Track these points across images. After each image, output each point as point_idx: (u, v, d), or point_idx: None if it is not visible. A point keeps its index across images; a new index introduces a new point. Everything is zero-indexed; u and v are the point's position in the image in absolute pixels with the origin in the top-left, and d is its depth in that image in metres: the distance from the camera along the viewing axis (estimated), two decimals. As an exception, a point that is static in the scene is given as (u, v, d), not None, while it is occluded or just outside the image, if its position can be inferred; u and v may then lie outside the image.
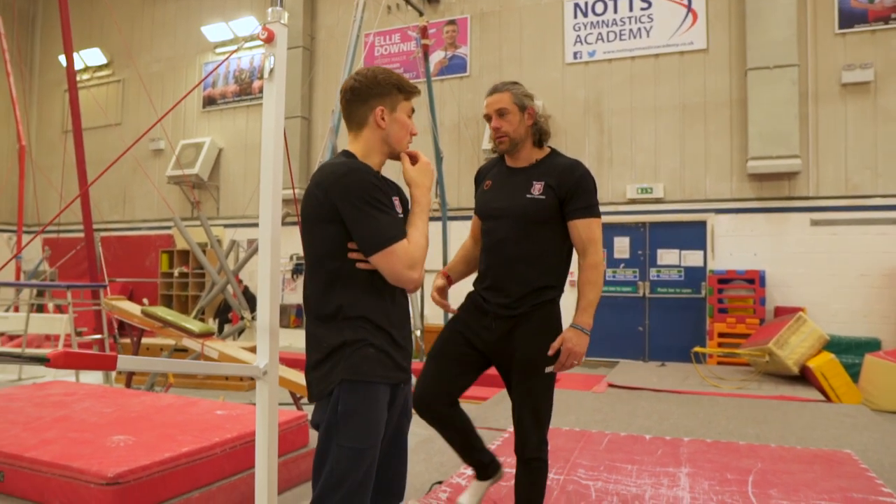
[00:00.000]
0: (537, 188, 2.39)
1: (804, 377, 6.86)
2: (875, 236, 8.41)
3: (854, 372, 6.89)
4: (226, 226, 12.04)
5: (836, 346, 7.46)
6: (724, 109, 9.18)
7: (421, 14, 8.02)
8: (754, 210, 9.01)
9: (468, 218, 9.89)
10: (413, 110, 1.99)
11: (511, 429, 4.57)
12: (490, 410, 5.52)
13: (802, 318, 6.93)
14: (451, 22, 10.55)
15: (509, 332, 2.39)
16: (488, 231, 2.49)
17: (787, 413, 5.47)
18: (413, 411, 2.20)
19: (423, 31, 7.96)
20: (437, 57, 10.20)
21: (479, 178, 2.63)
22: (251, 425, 3.49)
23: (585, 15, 9.86)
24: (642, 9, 9.59)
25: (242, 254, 9.41)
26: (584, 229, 2.37)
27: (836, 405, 6.01)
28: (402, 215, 1.92)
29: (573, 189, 2.36)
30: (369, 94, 1.90)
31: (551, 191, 2.38)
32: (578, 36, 9.90)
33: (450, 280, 2.63)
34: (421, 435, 4.18)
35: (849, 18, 8.68)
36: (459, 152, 10.23)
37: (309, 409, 5.71)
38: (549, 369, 2.35)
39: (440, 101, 9.50)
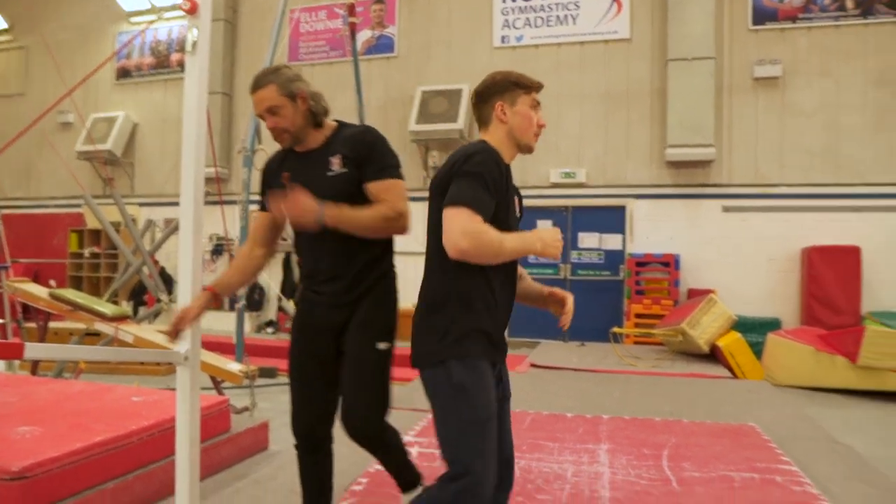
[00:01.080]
0: (336, 163, 2.27)
1: (714, 355, 7.23)
2: (780, 223, 8.91)
3: (758, 350, 7.32)
4: (141, 204, 11.53)
5: (742, 325, 7.88)
6: (645, 98, 9.47)
7: (348, -9, 7.87)
8: (671, 196, 9.37)
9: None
10: (538, 103, 2.10)
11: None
12: (416, 391, 5.55)
13: (713, 300, 7.28)
14: (379, 1, 10.39)
15: (352, 314, 2.30)
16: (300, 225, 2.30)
17: (698, 390, 5.76)
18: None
19: (351, 9, 7.80)
20: (363, 36, 10.05)
21: (270, 174, 2.43)
22: (170, 411, 3.37)
23: (514, 0, 9.92)
24: (569, -4, 9.73)
25: (159, 234, 9.03)
26: (379, 191, 2.22)
27: (742, 381, 6.37)
28: (518, 216, 2.11)
29: (367, 153, 2.24)
30: (489, 93, 2.07)
31: (350, 161, 2.25)
32: (507, 20, 9.95)
33: (217, 298, 2.34)
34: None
35: (761, 16, 9.09)
36: (385, 133, 9.96)
37: (235, 394, 5.56)
38: (382, 346, 2.28)
39: (367, 81, 9.36)
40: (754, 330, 8.01)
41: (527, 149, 2.10)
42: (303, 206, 2.17)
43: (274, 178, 2.39)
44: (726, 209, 9.13)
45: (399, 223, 2.25)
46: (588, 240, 9.71)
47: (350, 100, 9.57)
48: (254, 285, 10.09)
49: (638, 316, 8.89)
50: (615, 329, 8.13)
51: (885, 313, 7.96)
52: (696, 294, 8.67)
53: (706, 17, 9.00)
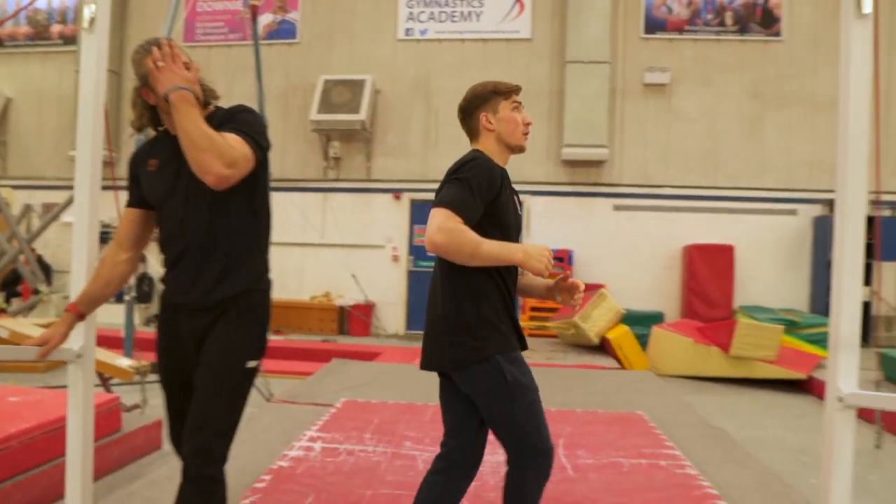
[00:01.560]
0: None
1: (603, 347, 7.61)
2: (664, 222, 9.49)
3: (643, 341, 7.77)
4: (16, 187, 10.63)
5: (629, 318, 8.33)
6: (544, 98, 9.77)
7: (250, -28, 7.59)
8: (566, 194, 9.74)
9: (292, 189, 9.74)
10: (518, 104, 2.19)
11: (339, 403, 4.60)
12: (315, 386, 5.49)
13: (604, 295, 7.66)
14: (283, -16, 10.12)
15: (211, 326, 2.02)
16: (166, 218, 2.07)
17: (589, 380, 6.05)
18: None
19: (253, -9, 7.52)
20: (265, 20, 9.73)
21: (138, 164, 2.15)
22: (54, 412, 3.17)
23: (419, -7, 9.95)
24: (473, -7, 9.87)
25: (37, 220, 8.39)
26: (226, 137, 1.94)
27: (629, 371, 6.76)
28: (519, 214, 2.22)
29: (228, 119, 2.02)
30: (472, 106, 2.19)
31: None
32: (411, 13, 9.96)
33: (80, 315, 2.13)
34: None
35: (652, 25, 9.60)
36: (286, 121, 9.90)
37: (125, 391, 5.27)
38: (250, 364, 2.03)
39: (267, 67, 9.00)
40: (640, 323, 8.49)
41: (518, 149, 2.23)
42: (175, 72, 1.93)
43: (141, 166, 2.13)
44: (617, 208, 9.60)
45: (226, 159, 1.87)
46: (487, 234, 9.91)
47: (249, 85, 9.23)
48: (142, 275, 9.58)
49: (533, 309, 9.19)
50: (512, 322, 8.37)
51: (753, 307, 8.67)
52: (589, 288, 9.05)
53: (602, 23, 9.40)
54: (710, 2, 9.59)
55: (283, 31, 10.08)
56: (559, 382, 5.90)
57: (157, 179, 2.08)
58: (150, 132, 2.17)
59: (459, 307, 2.08)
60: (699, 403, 5.54)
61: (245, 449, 3.62)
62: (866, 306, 7.62)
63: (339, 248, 9.51)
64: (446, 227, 1.89)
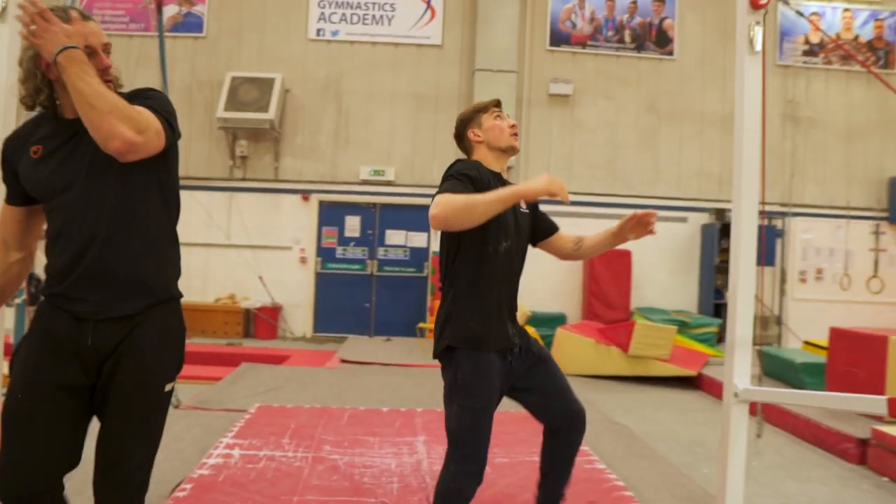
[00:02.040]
0: None
1: (510, 349, 7.85)
2: (567, 227, 9.70)
3: (548, 342, 8.08)
4: None
5: (535, 320, 8.65)
6: (453, 103, 9.94)
7: (155, -39, 7.29)
8: (474, 199, 9.95)
9: (197, 188, 9.39)
10: (499, 112, 2.48)
11: (253, 409, 4.50)
12: (226, 391, 5.38)
13: (511, 298, 7.90)
14: (188, -25, 9.75)
15: (122, 342, 1.78)
16: (58, 211, 1.79)
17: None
18: None
19: (157, -19, 7.23)
20: (169, 11, 9.35)
21: (15, 152, 1.85)
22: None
23: (331, -7, 9.88)
24: (385, -3, 9.91)
25: None
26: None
27: (535, 372, 7.01)
28: (524, 210, 2.44)
29: (136, 95, 1.85)
30: (462, 129, 2.50)
31: None
32: (323, 13, 9.87)
33: None
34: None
35: (557, 38, 10.01)
36: (190, 118, 9.54)
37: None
38: (169, 386, 1.88)
39: (171, 61, 8.73)
40: (545, 324, 8.82)
41: (510, 149, 2.45)
42: (54, 32, 1.65)
43: (20, 155, 1.82)
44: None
45: (134, 124, 1.65)
46: (395, 237, 9.98)
47: (151, 78, 8.85)
48: (30, 277, 8.94)
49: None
50: (421, 324, 8.48)
51: (648, 309, 9.22)
52: (495, 291, 9.32)
53: (511, 34, 9.69)
54: (611, 20, 10.11)
55: (189, 24, 9.71)
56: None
57: (45, 168, 1.78)
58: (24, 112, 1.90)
59: (444, 301, 2.32)
60: (602, 401, 5.86)
61: (157, 458, 3.52)
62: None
63: (245, 248, 9.28)
64: (438, 202, 2.03)
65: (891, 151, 10.20)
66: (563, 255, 2.67)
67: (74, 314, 1.77)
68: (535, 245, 2.64)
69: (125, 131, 1.63)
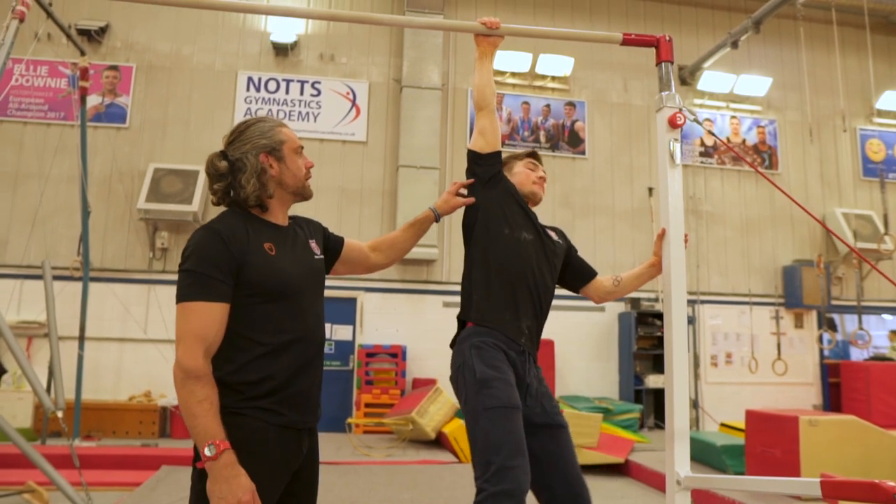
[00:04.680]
0: (316, 248, 2.31)
1: (440, 442, 7.78)
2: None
3: (477, 434, 8.07)
4: None
5: (460, 415, 8.62)
6: (377, 197, 10.18)
7: (83, 53, 7.29)
8: (398, 290, 10.05)
9: (112, 280, 9.05)
10: (535, 164, 2.85)
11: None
12: (147, 498, 5.03)
13: (440, 390, 7.91)
14: (114, 67, 9.72)
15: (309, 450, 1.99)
16: (299, 311, 1.97)
17: (431, 476, 6.16)
18: None
19: (84, 73, 7.22)
20: (92, 101, 9.23)
21: (240, 241, 1.86)
22: None
23: (258, 90, 10.09)
24: (312, 95, 10.21)
25: None
26: None
27: (467, 465, 6.96)
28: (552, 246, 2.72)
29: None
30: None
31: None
32: (249, 109, 10.03)
33: None
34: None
35: (478, 137, 10.53)
36: (109, 208, 9.30)
37: None
38: None
39: (92, 150, 8.56)
40: (472, 415, 8.81)
41: (531, 195, 2.76)
42: None
43: (244, 246, 1.82)
44: (446, 304, 10.06)
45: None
46: (319, 328, 9.85)
47: (68, 167, 8.75)
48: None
49: (368, 405, 9.17)
50: (351, 419, 8.30)
51: (573, 397, 9.40)
52: (421, 384, 9.29)
53: (433, 132, 10.14)
54: (527, 121, 10.79)
55: (112, 115, 9.61)
56: (402, 480, 5.94)
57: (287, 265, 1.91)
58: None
59: (463, 282, 2.72)
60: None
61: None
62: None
63: (163, 343, 8.89)
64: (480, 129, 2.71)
65: (781, 242, 11.15)
66: (602, 295, 2.86)
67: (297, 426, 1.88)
68: (577, 291, 2.87)
69: None
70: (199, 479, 1.72)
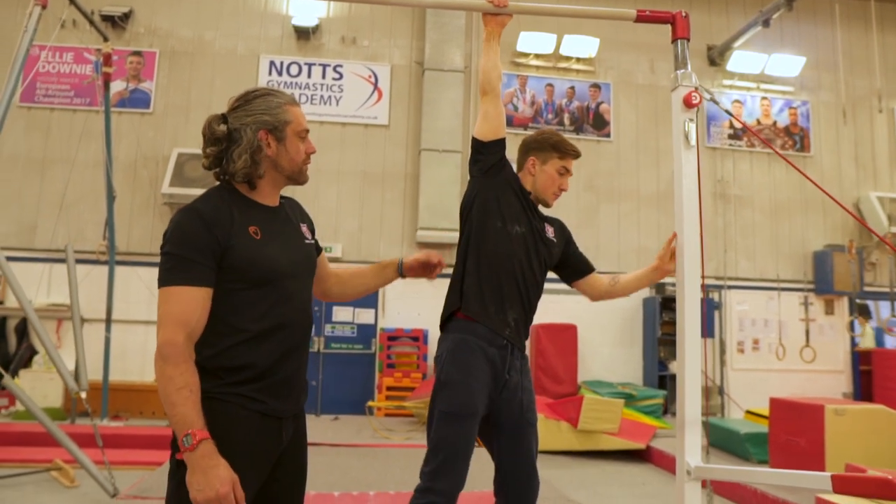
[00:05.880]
0: (307, 232, 2.19)
1: (460, 426, 7.77)
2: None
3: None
4: None
5: (483, 396, 8.61)
6: (399, 181, 10.14)
7: (106, 39, 7.35)
8: (421, 274, 10.02)
9: (139, 263, 9.17)
10: (567, 170, 2.70)
11: None
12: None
13: (460, 373, 7.88)
14: (137, 53, 9.81)
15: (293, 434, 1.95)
16: (284, 297, 1.90)
17: (477, 461, 6.14)
18: None
19: (107, 59, 7.29)
20: (116, 87, 9.32)
21: (223, 224, 1.79)
22: None
23: (280, 74, 10.09)
24: (334, 79, 10.19)
25: None
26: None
27: (482, 449, 6.94)
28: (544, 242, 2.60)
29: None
30: (528, 146, 2.82)
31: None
32: (271, 93, 10.03)
33: None
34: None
35: (500, 120, 10.41)
36: (134, 193, 9.42)
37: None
38: None
39: (116, 136, 8.68)
40: (493, 400, 8.79)
41: (544, 203, 2.68)
42: None
43: (228, 230, 1.72)
44: (469, 288, 10.02)
45: None
46: (342, 314, 9.90)
47: (94, 152, 8.86)
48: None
49: (389, 389, 9.21)
50: (371, 402, 8.34)
51: (595, 382, 9.33)
52: (443, 367, 9.27)
53: (455, 115, 10.05)
54: (550, 103, 10.63)
55: (136, 100, 9.72)
56: (420, 463, 5.94)
57: (274, 249, 1.80)
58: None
59: (455, 270, 2.59)
60: (555, 478, 5.83)
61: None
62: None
63: (187, 326, 9.04)
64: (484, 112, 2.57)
65: (812, 227, 10.87)
66: (598, 294, 2.79)
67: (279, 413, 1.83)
68: (570, 284, 2.80)
69: None
70: (178, 469, 1.67)
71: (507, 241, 2.49)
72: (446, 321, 2.53)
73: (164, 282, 1.68)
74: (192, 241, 1.67)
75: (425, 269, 2.29)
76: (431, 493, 2.32)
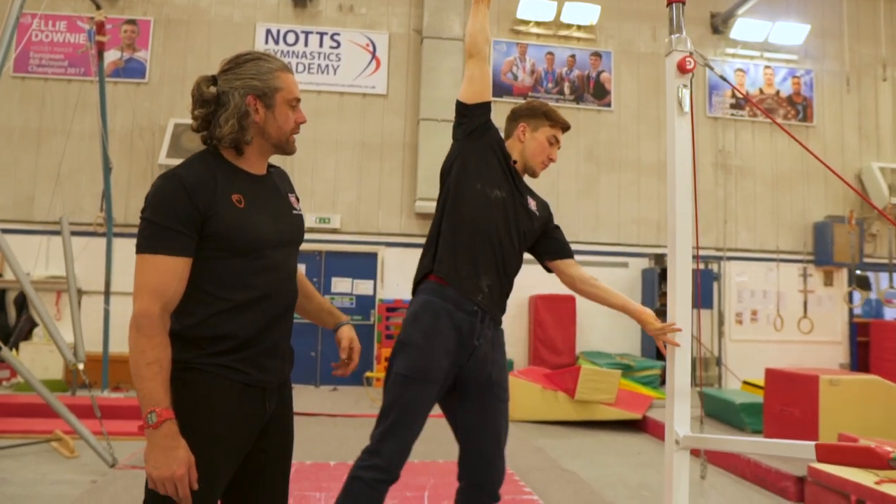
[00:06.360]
0: (294, 201, 2.05)
1: (458, 396, 7.83)
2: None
3: (495, 389, 8.11)
4: None
5: (481, 367, 8.66)
6: (398, 151, 10.07)
7: (98, 7, 7.24)
8: (419, 245, 9.95)
9: (135, 235, 9.08)
10: (557, 140, 2.61)
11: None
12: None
13: (458, 344, 7.92)
14: (131, 21, 9.67)
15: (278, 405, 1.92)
16: (268, 268, 1.83)
17: (446, 428, 6.18)
18: None
19: (100, 27, 7.18)
20: (111, 56, 9.23)
21: (204, 193, 1.71)
22: None
23: (277, 43, 9.96)
24: (331, 47, 10.06)
25: None
26: None
27: (483, 419, 7.00)
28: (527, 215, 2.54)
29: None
30: (518, 114, 2.67)
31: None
32: (268, 62, 9.91)
33: None
34: None
35: (500, 90, 10.30)
36: (131, 163, 9.38)
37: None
38: None
39: (112, 106, 8.60)
40: (491, 370, 8.84)
41: (531, 172, 2.60)
42: None
43: (210, 198, 1.68)
44: (468, 259, 10.02)
45: None
46: (341, 285, 9.92)
47: (89, 123, 8.80)
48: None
49: (388, 359, 9.24)
50: (369, 373, 8.39)
51: (593, 353, 9.37)
52: (442, 337, 9.31)
53: (454, 84, 9.91)
54: (551, 72, 10.50)
55: (131, 70, 9.61)
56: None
57: (259, 218, 1.76)
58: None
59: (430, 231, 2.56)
60: (550, 447, 5.88)
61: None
62: (686, 351, 8.56)
63: (186, 298, 9.06)
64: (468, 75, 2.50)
65: (813, 198, 10.81)
66: (570, 280, 2.70)
67: (264, 384, 1.80)
68: (544, 263, 2.72)
69: None
70: None
71: (486, 204, 2.42)
72: (418, 283, 2.46)
73: (141, 248, 1.65)
74: (173, 209, 1.63)
75: (344, 363, 2.11)
76: (377, 456, 2.30)
